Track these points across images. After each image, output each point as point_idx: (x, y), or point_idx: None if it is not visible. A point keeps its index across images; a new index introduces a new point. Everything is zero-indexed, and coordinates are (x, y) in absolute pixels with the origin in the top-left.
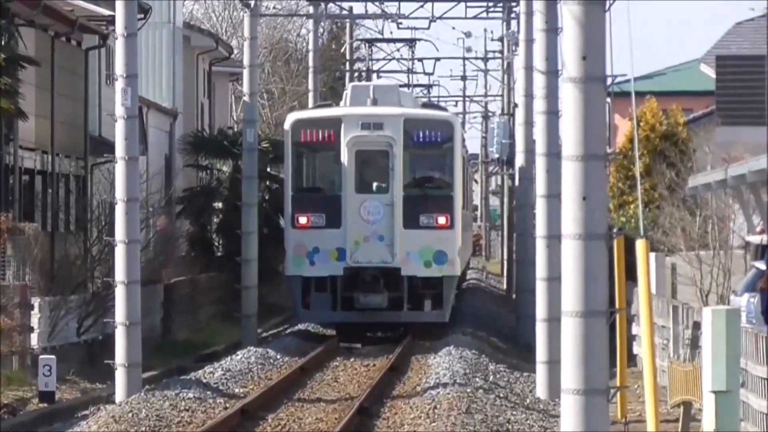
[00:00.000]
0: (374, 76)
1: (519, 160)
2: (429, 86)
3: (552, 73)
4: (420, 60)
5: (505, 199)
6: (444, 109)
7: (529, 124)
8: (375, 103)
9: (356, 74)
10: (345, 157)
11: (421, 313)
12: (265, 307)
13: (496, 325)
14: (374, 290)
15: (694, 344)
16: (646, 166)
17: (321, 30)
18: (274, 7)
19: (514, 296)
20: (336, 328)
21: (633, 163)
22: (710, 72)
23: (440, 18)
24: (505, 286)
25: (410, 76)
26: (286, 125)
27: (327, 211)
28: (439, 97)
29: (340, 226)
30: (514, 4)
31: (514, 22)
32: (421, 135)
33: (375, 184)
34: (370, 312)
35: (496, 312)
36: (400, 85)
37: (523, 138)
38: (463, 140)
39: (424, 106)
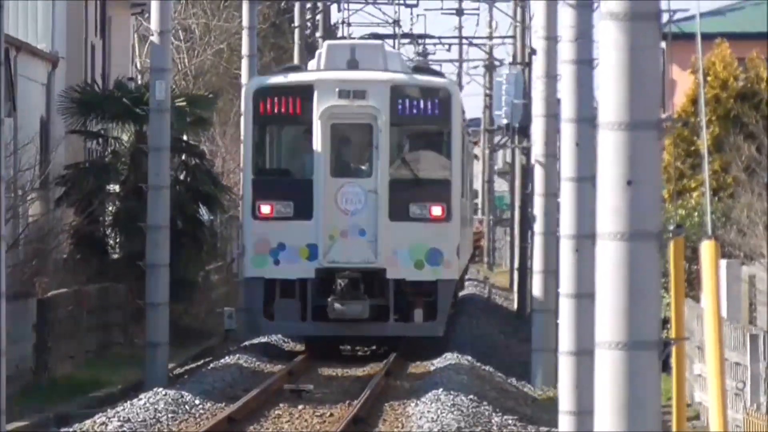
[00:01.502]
0: (336, 10)
1: (537, 129)
2: (418, 37)
3: (585, 6)
4: None
5: (517, 183)
6: (440, 74)
7: (551, 77)
8: (355, 65)
9: (309, 5)
10: (318, 132)
11: (410, 325)
12: (180, 332)
13: (503, 358)
14: (353, 297)
15: None
16: (715, 137)
17: None
18: None
19: (528, 318)
20: (306, 345)
21: (697, 133)
22: None
23: None
24: (515, 305)
25: (395, 28)
26: (245, 93)
27: (296, 198)
28: (425, 41)
29: (311, 218)
30: None
31: None
32: (412, 106)
33: (355, 166)
34: (347, 323)
35: (503, 340)
36: (380, 36)
37: (542, 97)
38: (463, 111)
39: (416, 69)
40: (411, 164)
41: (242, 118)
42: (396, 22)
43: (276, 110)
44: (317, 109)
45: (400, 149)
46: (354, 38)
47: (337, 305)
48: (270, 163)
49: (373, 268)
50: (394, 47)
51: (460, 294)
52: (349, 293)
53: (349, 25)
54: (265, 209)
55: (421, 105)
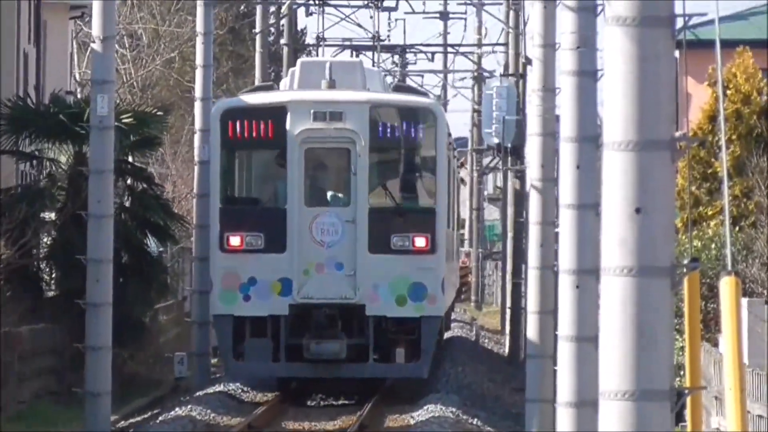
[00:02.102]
0: (304, 14)
1: (532, 149)
2: (402, 49)
3: (587, 10)
4: None
5: (509, 211)
6: (423, 93)
7: (548, 91)
8: (332, 85)
9: (273, 9)
10: (292, 157)
11: (391, 366)
12: (124, 380)
13: (493, 410)
14: (330, 335)
15: None
16: (735, 158)
17: None
18: None
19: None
20: (278, 386)
21: (715, 154)
22: None
23: None
24: (506, 349)
25: (374, 40)
26: (213, 115)
27: (267, 229)
28: (406, 49)
29: (284, 250)
30: None
31: None
32: (393, 128)
33: (331, 194)
34: (323, 364)
35: (493, 389)
36: (356, 47)
37: (538, 113)
38: (449, 134)
39: (397, 89)
40: (392, 192)
41: (195, 137)
42: (376, 37)
43: (246, 134)
44: (290, 132)
45: (380, 175)
46: (329, 46)
47: (312, 344)
48: (239, 191)
49: (351, 305)
50: (372, 59)
51: (445, 336)
52: (325, 331)
53: (324, 40)
54: (234, 241)
55: (404, 127)
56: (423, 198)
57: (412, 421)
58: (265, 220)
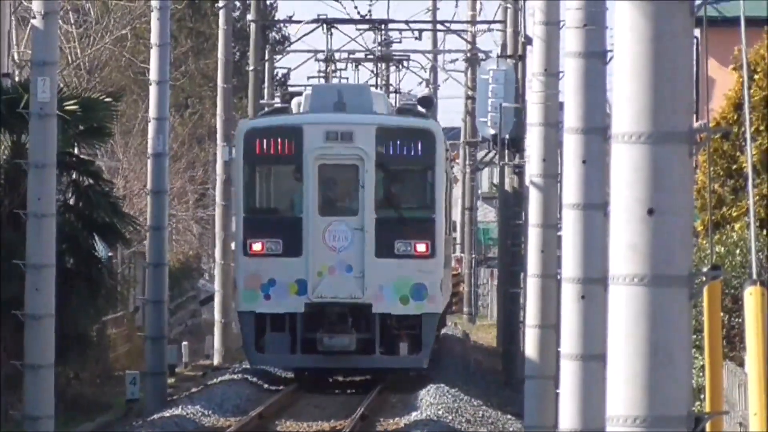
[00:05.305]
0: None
1: (532, 141)
2: (380, 23)
3: None
4: None
5: (506, 211)
6: (423, 114)
7: (551, 75)
8: (342, 108)
9: None
10: (307, 172)
11: (395, 358)
12: (68, 402)
13: None
14: (341, 330)
15: None
16: (764, 152)
17: None
18: None
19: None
20: (295, 375)
21: (741, 147)
22: None
23: None
24: (502, 367)
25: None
26: (238, 134)
27: (285, 236)
28: (388, 26)
29: (300, 254)
30: None
31: None
32: (397, 147)
33: (342, 205)
34: (335, 356)
35: (486, 416)
36: (330, 21)
37: (539, 100)
38: (447, 150)
39: (400, 111)
40: (396, 203)
41: (149, 126)
42: (378, 57)
43: (266, 151)
44: (306, 150)
45: (385, 188)
46: (299, 21)
47: (325, 338)
48: (260, 201)
49: (359, 303)
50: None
51: (437, 345)
52: (336, 327)
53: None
54: (256, 246)
55: (406, 146)
56: (423, 208)
57: None
58: (283, 228)
